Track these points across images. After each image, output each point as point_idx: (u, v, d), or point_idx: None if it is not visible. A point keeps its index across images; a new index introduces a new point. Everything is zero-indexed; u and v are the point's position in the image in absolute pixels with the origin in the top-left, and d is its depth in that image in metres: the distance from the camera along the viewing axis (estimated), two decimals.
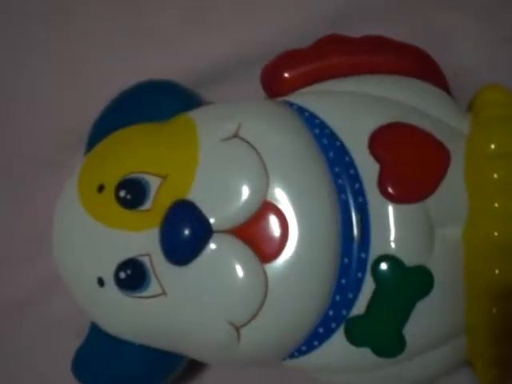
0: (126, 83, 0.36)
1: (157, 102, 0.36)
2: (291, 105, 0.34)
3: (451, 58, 0.36)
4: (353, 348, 0.32)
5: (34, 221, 0.40)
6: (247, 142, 0.32)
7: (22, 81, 0.42)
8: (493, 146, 0.32)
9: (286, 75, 0.35)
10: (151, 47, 0.41)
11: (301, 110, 0.33)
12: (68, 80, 0.41)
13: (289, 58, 0.35)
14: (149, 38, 0.41)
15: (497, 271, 0.31)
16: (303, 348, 0.33)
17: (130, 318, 0.33)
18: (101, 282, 0.33)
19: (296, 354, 0.33)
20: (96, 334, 0.35)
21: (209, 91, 0.38)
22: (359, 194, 0.32)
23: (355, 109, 0.33)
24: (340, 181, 0.32)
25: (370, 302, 0.32)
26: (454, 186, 0.32)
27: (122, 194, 0.33)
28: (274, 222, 0.31)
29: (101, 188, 0.33)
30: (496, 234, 0.31)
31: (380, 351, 0.32)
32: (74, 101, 0.41)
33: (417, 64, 0.35)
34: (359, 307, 0.32)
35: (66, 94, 0.41)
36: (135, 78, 0.36)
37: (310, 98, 0.34)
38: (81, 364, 0.35)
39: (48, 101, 0.42)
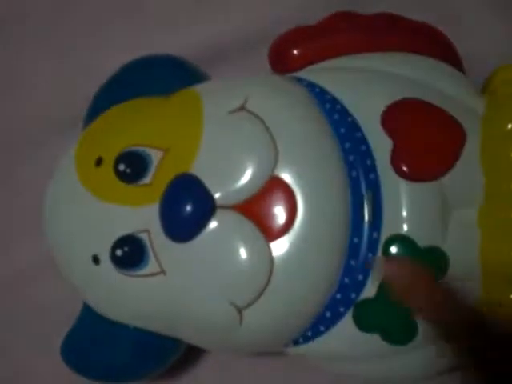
0: (125, 60, 0.35)
1: (160, 77, 0.34)
2: (301, 80, 0.32)
3: (466, 38, 0.35)
4: (361, 334, 0.30)
5: (21, 200, 0.39)
6: (254, 115, 0.30)
7: (9, 59, 0.41)
8: (510, 126, 0.31)
9: (296, 52, 0.33)
10: (152, 24, 0.40)
11: (311, 86, 0.32)
12: (64, 54, 0.40)
13: (298, 34, 0.34)
14: (150, 14, 0.40)
15: None
16: (309, 333, 0.31)
17: (125, 297, 0.31)
18: (96, 260, 0.31)
19: (301, 340, 0.31)
20: (88, 315, 0.33)
21: (210, 70, 0.36)
22: (371, 170, 0.30)
23: (368, 84, 0.32)
24: (351, 157, 0.31)
25: (381, 285, 0.30)
26: (469, 165, 0.31)
27: (122, 167, 0.31)
28: (281, 198, 0.30)
29: (99, 161, 0.32)
30: None
31: (390, 338, 0.30)
32: (70, 77, 0.40)
33: (431, 42, 0.34)
34: (369, 290, 0.30)
35: (61, 69, 0.40)
36: (135, 54, 0.35)
37: (320, 73, 0.33)
38: (71, 347, 0.33)
39: (41, 77, 0.40)
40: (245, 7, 0.39)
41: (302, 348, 0.32)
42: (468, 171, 0.31)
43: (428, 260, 0.30)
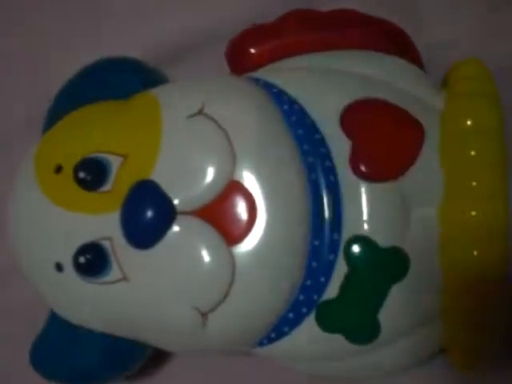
0: (83, 62, 0.35)
1: (118, 80, 0.34)
2: (258, 80, 0.32)
3: (426, 33, 0.34)
4: (324, 334, 0.30)
5: None
6: (212, 119, 0.30)
7: None
8: (469, 122, 0.31)
9: (252, 51, 0.33)
10: (111, 23, 0.40)
11: (268, 87, 0.32)
12: (19, 58, 0.40)
13: (254, 33, 0.33)
14: (109, 14, 0.40)
15: (475, 252, 0.30)
16: (272, 335, 0.31)
17: (90, 305, 0.31)
18: (59, 268, 0.31)
19: (265, 341, 0.32)
20: (55, 321, 0.33)
21: (171, 69, 0.36)
22: (330, 172, 0.30)
23: (326, 84, 0.32)
24: (310, 159, 0.31)
25: (343, 286, 0.30)
26: (428, 163, 0.31)
27: (82, 174, 0.31)
28: (240, 203, 0.30)
29: (58, 169, 0.32)
30: (473, 213, 0.30)
31: (353, 337, 0.31)
32: (25, 82, 0.40)
33: (389, 38, 0.33)
34: (331, 291, 0.30)
35: (17, 73, 0.40)
36: (94, 56, 0.35)
37: (277, 73, 0.32)
38: (39, 353, 0.33)
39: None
40: (202, 6, 0.39)
41: (267, 349, 0.32)
42: (427, 169, 0.31)
43: (389, 260, 0.30)
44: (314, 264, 0.30)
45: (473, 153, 0.30)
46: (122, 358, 0.33)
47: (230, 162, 0.30)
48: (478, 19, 0.39)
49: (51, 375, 0.33)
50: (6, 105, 0.40)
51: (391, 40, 0.33)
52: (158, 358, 0.36)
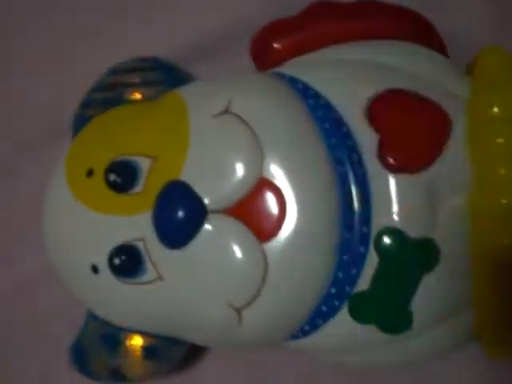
0: (108, 63, 0.35)
1: (146, 80, 0.34)
2: (283, 76, 0.32)
3: (448, 21, 0.34)
4: (358, 325, 0.31)
5: (15, 212, 0.39)
6: (239, 117, 0.31)
7: (3, 61, 0.41)
8: (496, 110, 0.30)
9: (276, 46, 0.33)
10: (134, 22, 0.40)
11: (293, 81, 0.32)
12: (48, 63, 0.40)
13: (278, 28, 0.33)
14: (132, 12, 0.40)
15: (506, 241, 0.30)
16: (306, 328, 0.32)
17: (127, 304, 0.32)
18: (95, 269, 0.32)
19: (299, 334, 0.32)
20: (93, 321, 0.34)
21: (195, 67, 0.37)
22: (358, 165, 0.31)
23: (350, 77, 0.32)
24: (338, 153, 0.31)
25: (374, 278, 0.30)
26: (456, 152, 0.31)
27: (112, 177, 0.31)
28: (270, 199, 0.30)
29: (90, 173, 0.32)
30: (504, 201, 0.30)
31: (386, 328, 0.31)
32: (54, 85, 0.40)
33: (413, 27, 0.33)
34: (363, 283, 0.30)
35: (45, 77, 0.40)
36: (118, 55, 0.35)
37: (302, 68, 0.33)
38: (79, 353, 0.34)
39: (27, 87, 0.40)
40: (227, 3, 0.39)
41: (301, 342, 0.32)
42: (455, 159, 0.31)
43: (420, 250, 0.30)
44: (345, 257, 0.30)
45: (500, 140, 0.30)
46: (161, 356, 0.34)
47: (259, 160, 0.30)
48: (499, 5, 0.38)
49: (92, 374, 0.34)
50: (35, 109, 0.40)
51: (416, 29, 0.33)
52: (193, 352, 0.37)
